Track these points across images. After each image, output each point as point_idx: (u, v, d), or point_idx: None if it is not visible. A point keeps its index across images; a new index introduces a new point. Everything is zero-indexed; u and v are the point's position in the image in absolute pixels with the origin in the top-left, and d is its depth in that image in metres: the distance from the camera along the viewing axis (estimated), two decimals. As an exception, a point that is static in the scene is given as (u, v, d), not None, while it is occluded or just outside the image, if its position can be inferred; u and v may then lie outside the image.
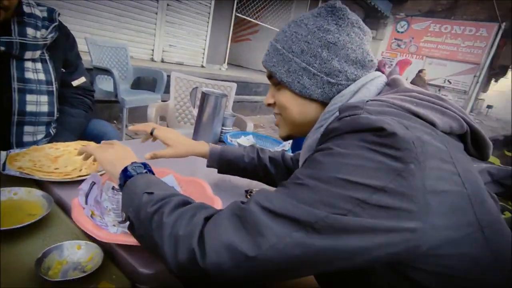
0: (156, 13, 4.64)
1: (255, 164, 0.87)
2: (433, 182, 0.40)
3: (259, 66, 8.30)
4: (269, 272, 0.41)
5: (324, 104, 0.59)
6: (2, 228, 0.56)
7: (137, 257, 0.56)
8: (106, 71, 2.57)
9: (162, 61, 4.96)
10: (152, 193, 0.51)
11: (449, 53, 9.82)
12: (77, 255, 0.56)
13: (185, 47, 5.29)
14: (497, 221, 0.46)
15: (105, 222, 0.63)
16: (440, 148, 0.43)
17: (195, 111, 1.21)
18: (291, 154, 0.91)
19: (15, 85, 0.94)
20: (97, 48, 2.86)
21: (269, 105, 0.66)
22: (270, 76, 0.63)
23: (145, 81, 3.66)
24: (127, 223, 0.53)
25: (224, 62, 6.11)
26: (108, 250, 0.58)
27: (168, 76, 2.93)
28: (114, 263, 0.57)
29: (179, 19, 5.00)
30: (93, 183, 0.68)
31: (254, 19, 6.80)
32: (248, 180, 0.98)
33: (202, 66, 5.67)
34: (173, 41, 5.06)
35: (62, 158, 0.83)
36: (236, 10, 5.96)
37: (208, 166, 0.89)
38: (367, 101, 0.49)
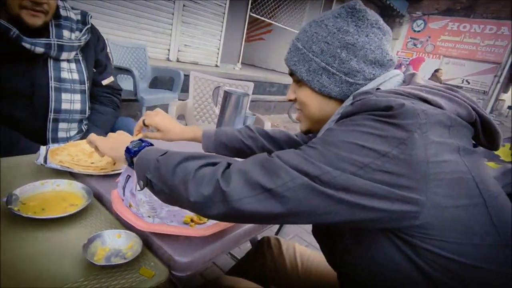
0: (173, 14, 4.73)
1: (251, 144, 0.87)
2: (435, 152, 0.42)
3: (273, 66, 8.32)
4: (278, 207, 0.45)
5: (342, 101, 0.62)
6: (50, 216, 0.61)
7: (173, 246, 0.60)
8: (127, 71, 2.64)
9: (178, 61, 5.05)
10: (165, 152, 0.56)
11: (467, 52, 9.59)
12: (117, 243, 0.60)
13: (200, 46, 5.36)
14: (500, 197, 0.47)
15: (141, 213, 0.67)
16: (445, 123, 0.45)
17: (217, 110, 1.24)
18: (293, 133, 0.92)
19: (52, 84, 1.00)
20: (118, 49, 2.95)
21: (290, 100, 0.69)
22: (291, 74, 0.66)
23: (162, 80, 3.74)
24: (154, 215, 0.57)
25: (238, 62, 6.16)
26: (145, 239, 0.62)
27: (185, 76, 3.01)
28: (151, 252, 0.61)
29: (195, 19, 5.07)
30: (129, 176, 0.72)
31: (268, 18, 6.82)
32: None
33: (216, 66, 5.73)
34: (188, 41, 5.14)
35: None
36: (250, 10, 5.99)
37: (204, 150, 0.90)
38: (378, 89, 0.53)
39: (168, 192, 0.53)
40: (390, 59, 0.61)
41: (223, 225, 0.63)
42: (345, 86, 0.60)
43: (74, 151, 0.87)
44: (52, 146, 0.86)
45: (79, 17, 1.08)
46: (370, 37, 0.59)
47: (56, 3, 0.97)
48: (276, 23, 7.15)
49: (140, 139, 0.65)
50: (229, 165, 0.50)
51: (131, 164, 0.63)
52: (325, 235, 0.61)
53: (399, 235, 0.45)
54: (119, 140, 0.69)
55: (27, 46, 0.92)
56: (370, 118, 0.45)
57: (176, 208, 0.74)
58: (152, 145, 0.64)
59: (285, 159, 0.46)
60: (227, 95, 1.20)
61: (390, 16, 10.03)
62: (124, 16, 4.08)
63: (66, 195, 0.70)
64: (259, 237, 1.02)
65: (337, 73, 0.59)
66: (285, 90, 6.16)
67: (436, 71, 7.07)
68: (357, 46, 0.58)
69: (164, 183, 0.53)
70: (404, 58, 9.94)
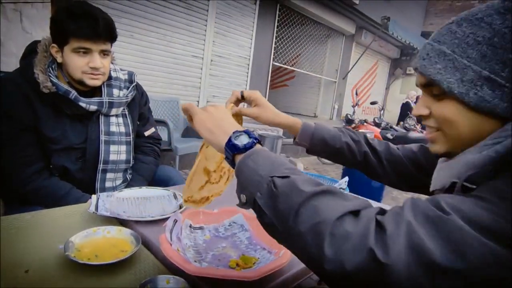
0: (201, 68, 5.10)
1: (353, 147, 0.80)
2: None
3: (297, 110, 8.49)
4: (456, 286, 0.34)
5: (504, 120, 0.48)
6: (103, 263, 0.63)
7: (221, 290, 0.59)
8: (163, 123, 2.81)
9: (207, 111, 5.32)
10: (287, 177, 0.45)
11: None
12: (167, 288, 0.60)
13: (227, 96, 5.59)
14: None
15: (188, 258, 0.68)
16: None
17: (252, 154, 1.27)
18: (397, 146, 0.85)
19: (102, 137, 1.09)
20: (153, 103, 3.18)
21: (420, 116, 0.57)
22: (426, 84, 0.54)
23: (193, 129, 3.92)
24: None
25: (264, 108, 6.36)
26: (193, 284, 0.61)
27: (215, 124, 3.15)
28: (201, 297, 0.60)
29: (221, 72, 5.42)
30: (175, 221, 0.74)
31: (290, 66, 7.15)
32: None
33: (244, 113, 5.95)
34: (216, 92, 5.45)
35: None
36: (273, 60, 6.34)
37: (296, 143, 0.81)
38: None
39: (284, 234, 0.43)
40: None
41: (273, 266, 0.61)
42: None
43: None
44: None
45: (126, 76, 1.20)
46: None
47: (109, 66, 1.09)
48: (298, 70, 7.46)
49: (245, 130, 0.54)
50: (376, 217, 0.39)
51: (231, 162, 0.53)
52: None
53: None
54: (220, 121, 0.58)
55: (84, 105, 1.03)
56: None
57: (221, 251, 0.74)
58: (259, 141, 0.53)
59: (468, 217, 0.36)
60: (261, 138, 1.23)
61: (411, 54, 10.16)
62: (158, 74, 4.46)
63: (116, 242, 0.73)
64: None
65: (507, 84, 0.46)
66: (311, 132, 6.20)
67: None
68: None
69: (282, 221, 0.42)
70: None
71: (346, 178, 1.26)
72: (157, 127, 2.91)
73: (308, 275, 0.74)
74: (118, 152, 1.13)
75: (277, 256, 0.67)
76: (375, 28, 7.83)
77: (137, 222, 0.83)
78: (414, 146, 0.83)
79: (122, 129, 1.15)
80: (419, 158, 0.80)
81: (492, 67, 0.47)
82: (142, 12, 4.13)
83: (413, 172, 0.80)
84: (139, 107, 1.25)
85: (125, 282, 0.61)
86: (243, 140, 0.53)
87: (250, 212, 0.87)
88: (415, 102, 7.29)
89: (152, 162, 1.28)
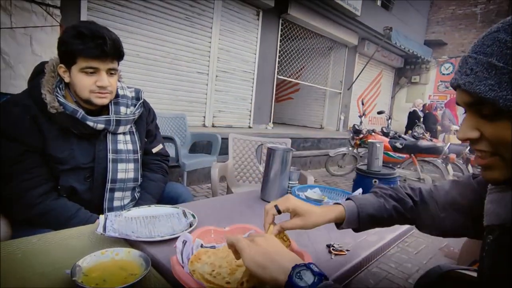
0: (206, 84, 5.15)
1: (400, 209, 0.74)
2: None
3: (303, 122, 8.49)
4: None
5: None
6: (112, 288, 0.59)
7: (238, 316, 0.55)
8: (169, 139, 2.81)
9: (213, 126, 5.34)
10: None
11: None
12: (179, 314, 0.56)
13: (233, 111, 5.67)
14: None
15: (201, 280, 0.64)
16: None
17: (261, 167, 1.25)
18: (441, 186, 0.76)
19: (110, 156, 1.08)
20: (160, 119, 3.20)
21: (467, 140, 0.50)
22: (473, 103, 0.48)
23: (200, 145, 3.92)
24: None
25: (270, 121, 6.37)
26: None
27: (222, 139, 3.14)
28: (215, 323, 0.56)
29: (226, 87, 5.47)
30: (185, 241, 0.71)
31: (294, 79, 7.19)
32: (326, 234, 0.95)
33: (249, 127, 5.96)
34: (222, 107, 5.48)
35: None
36: (277, 73, 6.38)
37: (342, 227, 0.75)
38: None
39: None
40: None
41: None
42: None
43: (220, 260, 0.70)
44: (195, 249, 0.73)
45: (133, 94, 1.20)
46: None
47: (116, 84, 1.09)
48: (303, 82, 7.49)
49: (305, 264, 0.48)
50: None
51: None
52: None
53: None
54: (274, 256, 0.51)
55: (91, 124, 1.02)
56: None
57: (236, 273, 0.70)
58: (326, 277, 0.47)
59: None
60: (271, 152, 1.21)
61: (415, 63, 10.16)
62: (164, 91, 4.51)
63: (125, 264, 0.69)
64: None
65: None
66: (319, 144, 6.16)
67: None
68: None
69: None
70: (438, 101, 9.73)
71: (360, 190, 1.22)
72: (164, 143, 2.92)
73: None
74: (126, 170, 1.11)
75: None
76: (377, 39, 7.87)
77: (146, 242, 0.80)
78: (446, 185, 0.76)
79: (130, 146, 1.14)
80: (455, 197, 0.72)
81: None
82: (147, 32, 4.22)
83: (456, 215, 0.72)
84: (146, 124, 1.24)
85: (135, 308, 0.58)
86: (307, 279, 0.46)
87: (261, 226, 0.84)
88: (422, 110, 7.23)
89: (161, 179, 1.26)
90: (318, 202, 1.15)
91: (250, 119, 5.99)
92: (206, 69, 5.09)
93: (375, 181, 2.62)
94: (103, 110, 1.10)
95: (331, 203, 1.19)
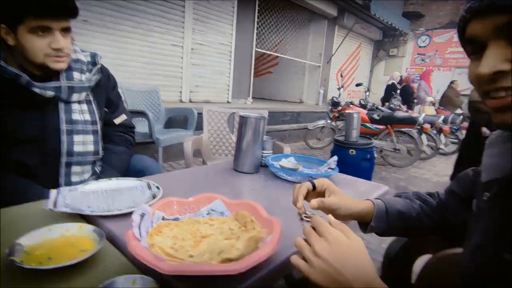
0: (182, 58, 4.93)
1: (426, 210, 0.70)
2: None
3: (283, 97, 8.41)
4: None
5: None
6: (56, 266, 0.53)
7: (197, 289, 0.51)
8: (141, 114, 2.68)
9: (190, 101, 5.17)
10: None
11: (478, 61, 9.42)
12: (133, 291, 0.51)
13: (210, 85, 5.50)
14: None
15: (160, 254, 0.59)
16: None
17: (234, 137, 1.18)
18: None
19: (64, 127, 0.98)
20: (132, 94, 3.03)
21: (494, 74, 0.41)
22: (508, 25, 0.39)
23: (176, 120, 3.79)
24: None
25: (249, 96, 6.26)
26: (165, 283, 0.53)
27: (199, 114, 3.03)
28: (173, 298, 0.51)
29: (203, 60, 5.26)
30: (143, 214, 0.65)
31: (273, 52, 7.02)
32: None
33: (228, 102, 5.83)
34: (199, 81, 5.29)
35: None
36: (256, 46, 6.19)
37: (371, 228, 0.69)
38: None
39: None
40: None
41: (258, 257, 0.53)
42: None
43: (183, 233, 0.65)
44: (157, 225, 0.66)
45: (89, 58, 1.08)
46: None
47: (70, 46, 0.97)
48: (282, 55, 7.33)
49: None
50: None
51: None
52: None
53: None
54: (352, 272, 0.41)
55: (37, 91, 0.91)
56: None
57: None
58: None
59: None
60: (243, 120, 1.14)
61: (394, 35, 10.15)
62: (136, 65, 4.27)
63: (77, 241, 0.63)
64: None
65: None
66: (298, 118, 6.14)
67: (452, 82, 6.92)
68: None
69: None
70: (414, 74, 9.86)
71: (335, 158, 1.19)
72: (136, 119, 2.78)
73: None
74: (84, 143, 1.02)
75: (263, 243, 0.59)
76: (357, 10, 7.74)
77: (103, 217, 0.73)
78: (445, 192, 0.73)
79: (87, 117, 1.04)
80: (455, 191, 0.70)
81: None
82: (115, 0, 3.91)
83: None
84: (106, 92, 1.13)
85: (85, 286, 0.52)
86: None
87: (230, 197, 0.79)
88: (399, 83, 7.30)
89: (124, 152, 1.17)
90: (292, 171, 1.11)
91: (228, 94, 5.85)
92: (180, 41, 4.85)
93: (352, 151, 2.64)
94: (52, 75, 0.98)
95: (306, 172, 1.16)
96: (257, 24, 6.05)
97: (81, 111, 1.02)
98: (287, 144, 4.99)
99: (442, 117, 4.29)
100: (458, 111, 6.21)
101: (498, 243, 0.42)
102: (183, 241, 0.62)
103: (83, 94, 1.03)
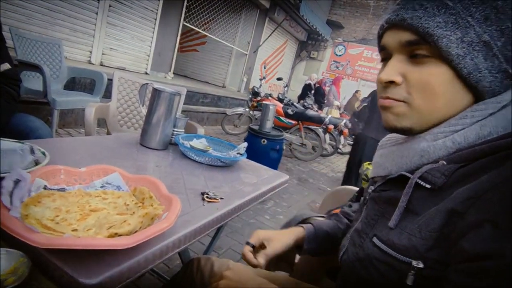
0: (97, 13, 4.34)
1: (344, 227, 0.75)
2: None
3: (206, 78, 8.24)
4: None
5: (477, 98, 0.45)
6: None
7: (76, 264, 0.46)
8: (35, 67, 2.27)
9: (101, 65, 4.62)
10: None
11: (379, 77, 10.93)
12: (-6, 266, 0.44)
13: (127, 51, 5.01)
14: None
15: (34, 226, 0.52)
16: None
17: (144, 110, 1.11)
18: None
19: None
20: (24, 41, 2.54)
21: (388, 83, 0.47)
22: (412, 42, 0.45)
23: (81, 83, 3.35)
24: None
25: (170, 71, 5.93)
26: (37, 258, 0.47)
27: (109, 80, 2.73)
28: (46, 274, 0.46)
29: (122, 22, 4.74)
30: (18, 181, 0.56)
31: (202, 30, 6.77)
32: (203, 182, 0.92)
33: (146, 73, 5.42)
34: (115, 44, 4.76)
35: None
36: (184, 20, 5.87)
37: (305, 251, 0.73)
38: None
39: None
40: None
41: (151, 232, 0.52)
42: (499, 79, 0.43)
43: (69, 205, 0.58)
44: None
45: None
46: None
47: None
48: (210, 35, 7.14)
49: None
50: None
51: None
52: None
53: None
54: None
55: None
56: None
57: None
58: None
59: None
60: (156, 93, 1.08)
61: (316, 40, 10.94)
62: (34, 8, 3.57)
63: None
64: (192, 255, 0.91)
65: (499, 55, 0.42)
66: (219, 102, 6.12)
67: (356, 92, 7.91)
68: None
69: None
70: (328, 78, 10.87)
71: (245, 144, 1.23)
72: (27, 73, 2.37)
73: (192, 241, 0.67)
74: None
75: (159, 220, 0.58)
76: (288, 8, 8.05)
77: (-38, 181, 0.60)
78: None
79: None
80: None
81: (491, 33, 0.41)
82: None
83: None
84: (-17, 31, 0.92)
85: None
86: None
87: (132, 171, 0.75)
88: (315, 84, 7.96)
89: (3, 106, 0.98)
90: (202, 152, 1.11)
91: (147, 65, 5.43)
92: (97, -7, 4.25)
93: (264, 141, 2.78)
94: None
95: (215, 155, 1.17)
96: (188, -4, 5.74)
97: None
98: (204, 127, 4.95)
99: (344, 120, 4.86)
100: (357, 117, 7.13)
101: (370, 229, 0.51)
102: (68, 213, 0.56)
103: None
